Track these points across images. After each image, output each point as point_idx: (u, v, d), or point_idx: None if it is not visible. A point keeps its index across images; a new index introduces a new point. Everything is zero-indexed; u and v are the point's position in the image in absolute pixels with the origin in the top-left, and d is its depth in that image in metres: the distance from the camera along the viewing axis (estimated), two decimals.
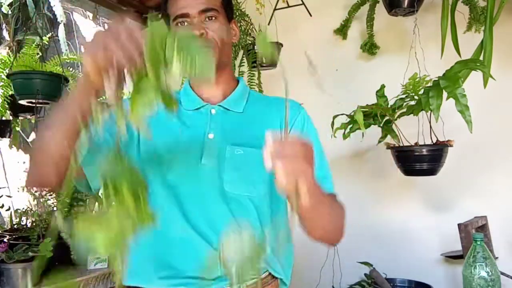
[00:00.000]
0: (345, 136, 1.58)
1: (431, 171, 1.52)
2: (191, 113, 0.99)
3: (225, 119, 0.98)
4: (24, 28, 3.09)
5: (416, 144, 1.56)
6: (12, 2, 2.97)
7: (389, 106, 1.58)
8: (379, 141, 1.62)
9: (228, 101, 1.00)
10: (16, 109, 2.08)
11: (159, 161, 0.96)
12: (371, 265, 1.79)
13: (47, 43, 2.76)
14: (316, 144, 1.00)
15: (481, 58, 1.45)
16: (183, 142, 0.96)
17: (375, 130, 1.62)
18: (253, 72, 1.89)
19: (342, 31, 2.04)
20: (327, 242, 0.97)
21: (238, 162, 0.93)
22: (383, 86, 1.63)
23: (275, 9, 1.95)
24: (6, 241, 1.44)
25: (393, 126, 1.58)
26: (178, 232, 0.93)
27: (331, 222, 0.87)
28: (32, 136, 3.32)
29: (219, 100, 1.00)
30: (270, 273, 0.99)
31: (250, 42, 1.96)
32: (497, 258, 1.61)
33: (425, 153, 1.50)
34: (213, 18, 0.94)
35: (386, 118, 1.59)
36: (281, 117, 0.99)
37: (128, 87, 0.60)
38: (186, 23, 0.93)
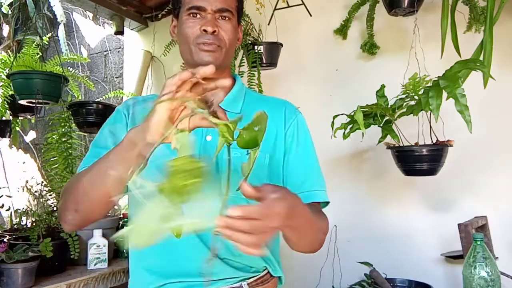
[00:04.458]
0: (345, 136, 1.58)
1: (431, 171, 1.52)
2: None
3: None
4: (24, 28, 3.10)
5: (416, 144, 1.56)
6: (12, 2, 2.96)
7: (389, 106, 1.58)
8: (379, 141, 1.62)
9: (225, 102, 0.98)
10: (16, 109, 2.08)
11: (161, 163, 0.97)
12: (371, 265, 1.79)
13: (47, 43, 2.77)
14: (308, 150, 1.02)
15: (481, 58, 1.45)
16: None
17: (375, 130, 1.62)
18: (253, 72, 1.89)
19: (342, 31, 2.04)
20: (306, 253, 0.99)
21: (235, 164, 0.93)
22: (383, 86, 1.63)
23: (275, 9, 1.95)
24: (6, 241, 1.44)
25: (393, 126, 1.58)
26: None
27: (313, 239, 0.89)
28: (31, 135, 3.32)
29: None
30: (268, 272, 1.01)
31: (250, 42, 1.96)
32: (497, 258, 1.61)
33: (425, 153, 1.50)
34: (227, 18, 0.96)
35: (386, 118, 1.59)
36: (276, 121, 1.00)
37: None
38: (198, 16, 0.94)
